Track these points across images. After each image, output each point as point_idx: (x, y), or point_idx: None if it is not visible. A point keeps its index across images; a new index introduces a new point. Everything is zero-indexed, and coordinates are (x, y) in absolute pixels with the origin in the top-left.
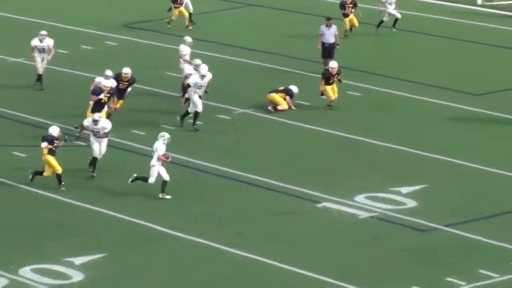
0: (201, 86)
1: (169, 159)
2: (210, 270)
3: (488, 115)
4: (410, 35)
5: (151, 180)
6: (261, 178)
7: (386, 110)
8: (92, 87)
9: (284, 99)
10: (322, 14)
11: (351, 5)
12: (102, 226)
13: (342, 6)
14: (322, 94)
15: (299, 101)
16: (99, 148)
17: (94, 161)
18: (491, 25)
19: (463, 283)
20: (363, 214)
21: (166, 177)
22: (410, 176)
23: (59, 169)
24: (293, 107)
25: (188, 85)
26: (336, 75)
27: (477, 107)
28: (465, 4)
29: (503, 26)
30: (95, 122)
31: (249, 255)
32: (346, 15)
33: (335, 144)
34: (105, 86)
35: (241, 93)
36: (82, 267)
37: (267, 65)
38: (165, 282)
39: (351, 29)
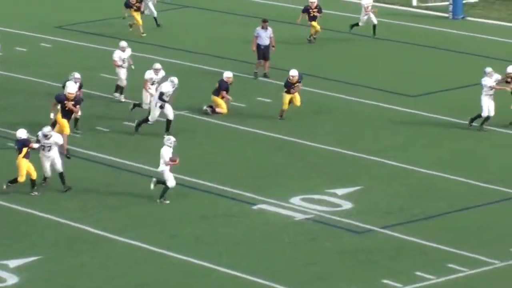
0: (169, 94)
1: (177, 162)
2: (145, 272)
3: (424, 117)
4: (347, 37)
5: (172, 183)
6: (196, 180)
7: (322, 112)
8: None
9: (223, 97)
10: (258, 16)
11: (316, 10)
12: (37, 228)
13: (306, 10)
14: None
15: (234, 103)
16: (49, 167)
17: (46, 179)
18: (427, 26)
19: (399, 285)
20: (298, 216)
21: (171, 182)
22: (346, 178)
23: (34, 174)
24: (229, 98)
25: (161, 94)
26: (296, 84)
27: (413, 109)
28: (401, 5)
29: (438, 27)
30: (46, 136)
31: (184, 257)
32: (313, 19)
33: (272, 146)
34: (69, 93)
35: (176, 95)
36: (16, 270)
37: (202, 66)
38: (100, 285)
39: (313, 36)
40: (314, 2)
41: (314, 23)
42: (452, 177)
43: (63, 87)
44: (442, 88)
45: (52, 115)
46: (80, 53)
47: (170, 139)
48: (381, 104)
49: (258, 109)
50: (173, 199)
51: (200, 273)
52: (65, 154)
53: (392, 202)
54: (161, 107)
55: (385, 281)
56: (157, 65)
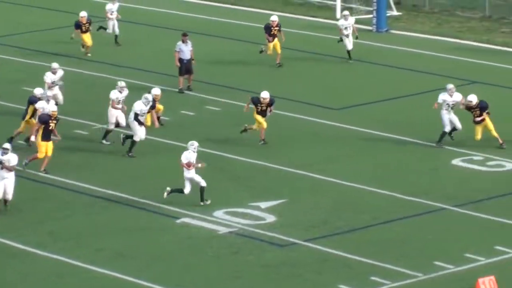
0: (144, 113)
1: (191, 167)
2: (68, 287)
3: (347, 130)
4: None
5: (204, 183)
6: (119, 194)
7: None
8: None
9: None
10: (178, 29)
11: (277, 28)
12: None
13: (268, 28)
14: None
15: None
16: (3, 188)
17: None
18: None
19: None
20: (222, 230)
21: (202, 183)
22: (270, 191)
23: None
24: (156, 124)
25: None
26: (268, 106)
27: (336, 122)
28: (325, 18)
29: (362, 40)
30: (4, 150)
31: (108, 272)
32: (273, 37)
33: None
34: (53, 112)
35: (98, 108)
36: None
37: (126, 80)
38: None
39: (279, 64)
40: (275, 20)
41: (274, 42)
42: (375, 190)
43: (30, 103)
44: (366, 101)
45: (33, 138)
46: (5, 66)
47: (193, 144)
48: (304, 117)
49: (182, 122)
50: (96, 212)
51: (124, 287)
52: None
53: (316, 215)
54: (140, 124)
55: None
56: (122, 83)
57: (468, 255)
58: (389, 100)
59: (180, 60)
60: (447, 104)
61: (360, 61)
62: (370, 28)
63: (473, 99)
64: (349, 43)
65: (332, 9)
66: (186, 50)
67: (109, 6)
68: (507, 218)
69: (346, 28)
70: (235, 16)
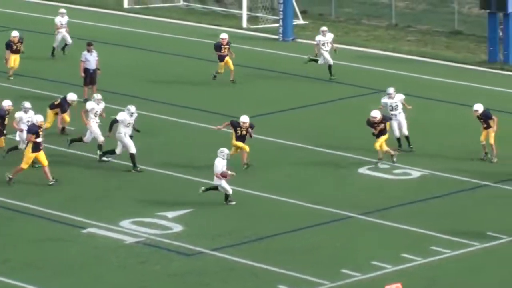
0: (129, 123)
1: (228, 177)
2: None
3: (255, 139)
4: (174, 59)
5: (229, 191)
6: (24, 204)
7: (151, 134)
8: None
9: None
10: (83, 38)
11: (227, 46)
12: None
13: (218, 47)
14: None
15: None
16: None
17: None
18: (257, 48)
19: None
20: (128, 239)
21: (229, 191)
22: (177, 201)
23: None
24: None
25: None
26: (247, 129)
27: None
28: (230, 27)
29: (269, 49)
30: None
31: (15, 282)
32: (222, 58)
33: (101, 169)
34: (41, 122)
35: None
36: None
37: (32, 90)
38: None
39: (232, 80)
40: (225, 38)
41: (226, 60)
42: (282, 198)
43: (5, 115)
44: (274, 110)
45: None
46: None
47: (223, 152)
48: (210, 126)
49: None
50: (1, 223)
51: None
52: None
53: (223, 224)
54: (131, 136)
55: None
56: (98, 96)
57: (375, 262)
58: (297, 109)
59: (86, 70)
60: (390, 106)
61: (267, 70)
62: (276, 37)
63: (377, 114)
64: (329, 58)
65: (238, 17)
66: (91, 59)
67: (58, 19)
68: (413, 226)
69: (324, 44)
70: (141, 25)
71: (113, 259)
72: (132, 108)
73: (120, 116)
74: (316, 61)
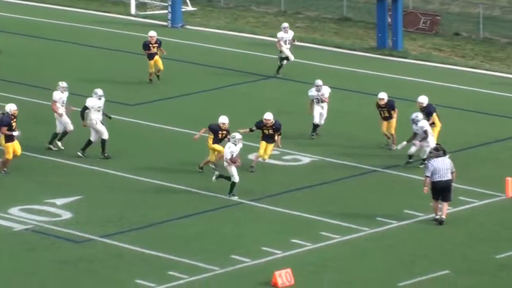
0: (99, 107)
1: (237, 163)
2: None
3: (143, 125)
4: (74, 47)
5: (236, 179)
6: None
7: (45, 123)
8: None
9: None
10: None
11: (156, 45)
12: None
13: (146, 46)
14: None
15: None
16: None
17: None
18: (146, 35)
19: None
20: (17, 227)
21: (236, 178)
22: (66, 188)
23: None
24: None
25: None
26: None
27: (132, 118)
28: (119, 14)
29: (158, 35)
30: None
31: None
32: (151, 56)
33: None
34: (14, 111)
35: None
36: None
37: None
38: None
39: (158, 76)
40: (154, 36)
41: (155, 59)
42: (172, 185)
43: (11, 121)
44: (163, 96)
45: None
46: None
47: (235, 137)
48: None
49: None
50: None
51: None
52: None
53: (112, 211)
54: (102, 122)
55: None
56: (63, 83)
57: (264, 248)
58: (185, 95)
59: None
60: (316, 98)
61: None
62: (165, 23)
63: (269, 117)
64: (290, 55)
65: (126, 4)
66: None
67: None
68: (303, 212)
69: (286, 41)
70: (28, 12)
71: (1, 246)
72: (99, 91)
73: (89, 102)
74: (287, 58)
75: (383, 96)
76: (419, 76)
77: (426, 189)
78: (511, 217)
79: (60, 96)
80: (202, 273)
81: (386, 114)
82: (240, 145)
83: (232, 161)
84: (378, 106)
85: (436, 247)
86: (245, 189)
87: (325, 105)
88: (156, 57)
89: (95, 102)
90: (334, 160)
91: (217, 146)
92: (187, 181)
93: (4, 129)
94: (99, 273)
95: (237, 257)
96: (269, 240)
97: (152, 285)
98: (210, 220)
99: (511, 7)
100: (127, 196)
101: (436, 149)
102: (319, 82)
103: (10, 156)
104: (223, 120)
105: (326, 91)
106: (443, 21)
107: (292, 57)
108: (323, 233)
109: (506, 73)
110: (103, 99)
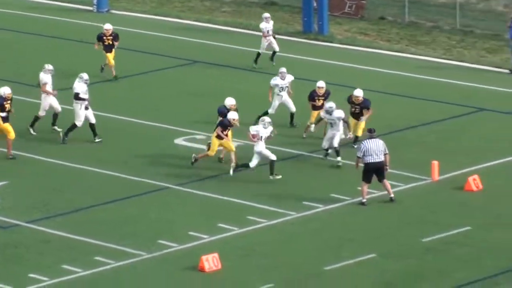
0: (85, 91)
1: (255, 138)
2: None
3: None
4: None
5: (273, 157)
6: None
7: None
8: None
9: None
10: None
11: (111, 37)
12: None
13: (100, 38)
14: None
15: None
16: None
17: None
18: (72, 20)
19: (45, 278)
20: None
21: (272, 156)
22: None
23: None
24: None
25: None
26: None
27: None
28: None
29: (83, 20)
30: None
31: None
32: (108, 49)
33: None
34: (8, 95)
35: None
36: None
37: None
38: None
39: (102, 68)
40: (109, 29)
41: (109, 55)
42: (98, 170)
43: (3, 102)
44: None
45: None
46: None
47: (264, 120)
48: (22, 98)
49: None
50: None
51: None
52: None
53: (37, 197)
54: (86, 108)
55: (32, 275)
56: (50, 66)
57: (192, 233)
58: (111, 81)
59: None
60: (280, 87)
61: (82, 42)
62: (90, 8)
63: (233, 116)
64: (275, 45)
65: None
66: None
67: None
68: (229, 196)
69: (268, 31)
70: None
71: None
72: (85, 75)
73: (78, 87)
74: (259, 54)
75: (322, 84)
76: (345, 60)
77: (357, 168)
78: (437, 200)
79: (47, 80)
80: (129, 258)
81: (357, 111)
82: (270, 128)
83: (253, 137)
84: (351, 102)
85: (363, 231)
86: (172, 174)
87: (284, 93)
88: (113, 51)
89: (83, 87)
90: None
91: (225, 143)
92: (114, 166)
93: None
94: (25, 258)
95: (164, 242)
96: (196, 224)
97: (79, 270)
98: (137, 205)
99: None
100: (53, 182)
101: (369, 130)
102: (283, 69)
103: (12, 135)
104: (234, 116)
105: (289, 79)
106: (369, 5)
107: (277, 47)
108: (250, 217)
109: (432, 56)
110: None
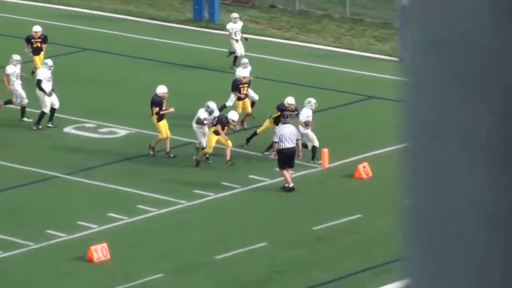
0: (50, 77)
1: (310, 125)
2: None
3: None
4: None
5: (317, 143)
6: None
7: None
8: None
9: None
10: None
11: (39, 40)
12: None
13: (28, 40)
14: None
15: None
16: None
17: None
18: None
19: None
20: None
21: (316, 143)
22: None
23: None
24: None
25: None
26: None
27: None
28: None
29: None
30: None
31: None
32: (36, 51)
33: None
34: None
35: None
36: None
37: None
38: None
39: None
40: (38, 31)
41: (37, 58)
42: None
43: None
44: None
45: None
46: None
47: (310, 101)
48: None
49: None
50: None
51: None
52: None
53: None
54: (50, 94)
55: None
56: (17, 56)
57: (80, 222)
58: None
59: None
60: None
61: None
62: None
63: (233, 117)
64: (239, 49)
65: None
66: None
67: None
68: (119, 185)
69: (236, 32)
70: None
71: None
72: (49, 61)
73: (42, 73)
74: (235, 57)
75: (245, 73)
76: None
77: (274, 154)
78: (328, 188)
79: (13, 69)
80: (16, 249)
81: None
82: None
83: (306, 123)
84: (285, 110)
85: (253, 219)
86: (60, 162)
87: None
88: (41, 55)
89: (46, 73)
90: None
91: (222, 138)
92: (1, 154)
93: None
94: None
95: (52, 232)
96: (85, 214)
97: None
98: (25, 194)
99: None
100: None
101: (283, 116)
102: (245, 60)
103: None
104: (233, 116)
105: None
106: None
107: (242, 51)
108: (140, 206)
109: (322, 44)
110: (52, 68)
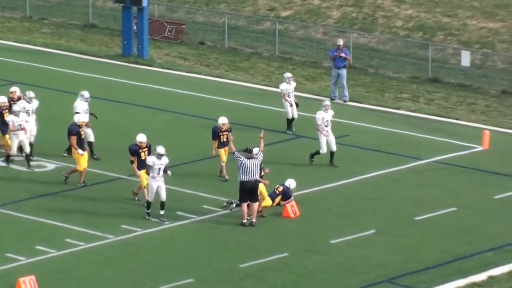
0: (87, 109)
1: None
2: None
3: None
4: None
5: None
6: None
7: None
8: None
9: None
10: None
11: None
12: None
13: None
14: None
15: None
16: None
17: None
18: None
19: None
20: None
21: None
22: None
23: None
24: None
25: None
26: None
27: None
28: None
29: None
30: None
31: None
32: None
33: None
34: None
35: None
36: None
37: None
38: None
39: None
40: None
41: None
42: None
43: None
44: None
45: None
46: None
47: (325, 102)
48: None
49: None
50: None
51: None
52: None
53: None
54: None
55: None
56: (31, 93)
57: (9, 255)
58: None
59: None
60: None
61: None
62: None
63: (222, 121)
64: (294, 111)
65: None
66: None
67: None
68: (47, 218)
69: (289, 94)
70: None
71: None
72: (86, 93)
73: (78, 105)
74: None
75: (224, 120)
76: (164, 84)
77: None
78: (255, 226)
79: (24, 105)
80: None
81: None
82: (331, 112)
83: (322, 129)
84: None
85: (181, 255)
86: None
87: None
88: None
89: (84, 105)
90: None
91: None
92: None
93: None
94: None
95: None
96: (13, 246)
97: None
98: None
99: (255, 18)
100: None
101: (247, 150)
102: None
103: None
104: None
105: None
106: (189, 30)
107: (295, 114)
108: (68, 240)
109: (251, 82)
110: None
